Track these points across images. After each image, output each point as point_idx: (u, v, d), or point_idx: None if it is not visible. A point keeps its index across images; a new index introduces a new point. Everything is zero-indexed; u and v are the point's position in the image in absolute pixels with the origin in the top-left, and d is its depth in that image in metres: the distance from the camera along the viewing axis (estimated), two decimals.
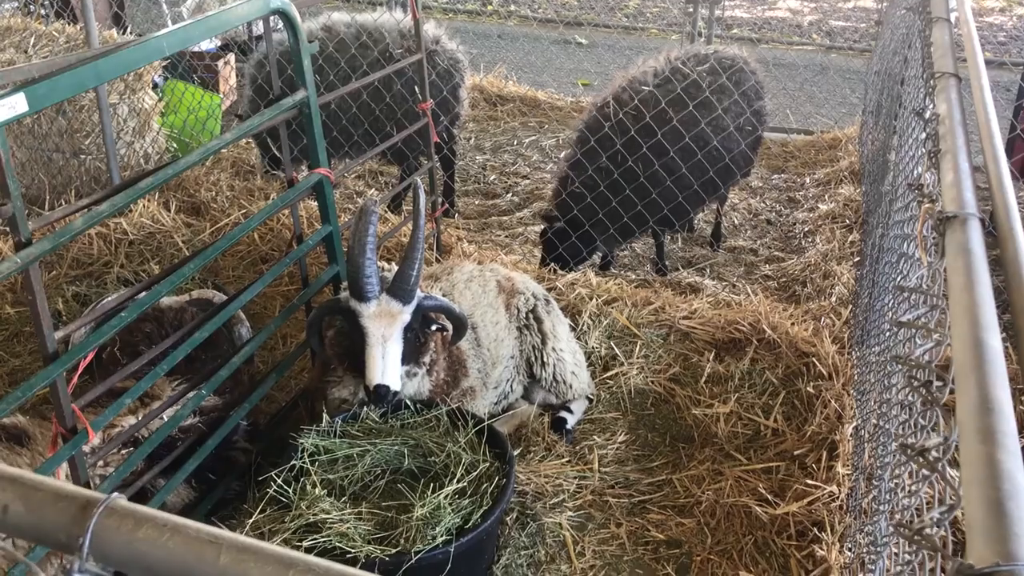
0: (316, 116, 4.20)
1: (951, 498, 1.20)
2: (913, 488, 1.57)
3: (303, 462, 3.55)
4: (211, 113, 7.74)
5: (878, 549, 2.24)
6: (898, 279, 2.97)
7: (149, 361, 3.41)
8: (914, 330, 1.69)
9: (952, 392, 1.45)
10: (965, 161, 2.03)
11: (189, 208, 6.64)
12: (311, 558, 0.91)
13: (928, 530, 1.12)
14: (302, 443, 3.61)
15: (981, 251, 1.62)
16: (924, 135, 2.38)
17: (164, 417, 3.54)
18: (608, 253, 6.50)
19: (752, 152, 6.44)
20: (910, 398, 1.79)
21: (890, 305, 3.70)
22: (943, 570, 1.31)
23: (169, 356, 3.37)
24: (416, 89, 5.73)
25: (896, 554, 1.95)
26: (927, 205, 1.86)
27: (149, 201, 6.43)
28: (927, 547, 1.14)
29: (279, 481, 3.43)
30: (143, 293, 3.36)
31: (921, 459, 1.23)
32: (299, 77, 4.11)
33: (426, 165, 5.62)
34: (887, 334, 3.70)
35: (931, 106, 2.57)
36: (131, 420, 3.53)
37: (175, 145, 7.56)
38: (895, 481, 1.99)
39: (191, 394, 3.59)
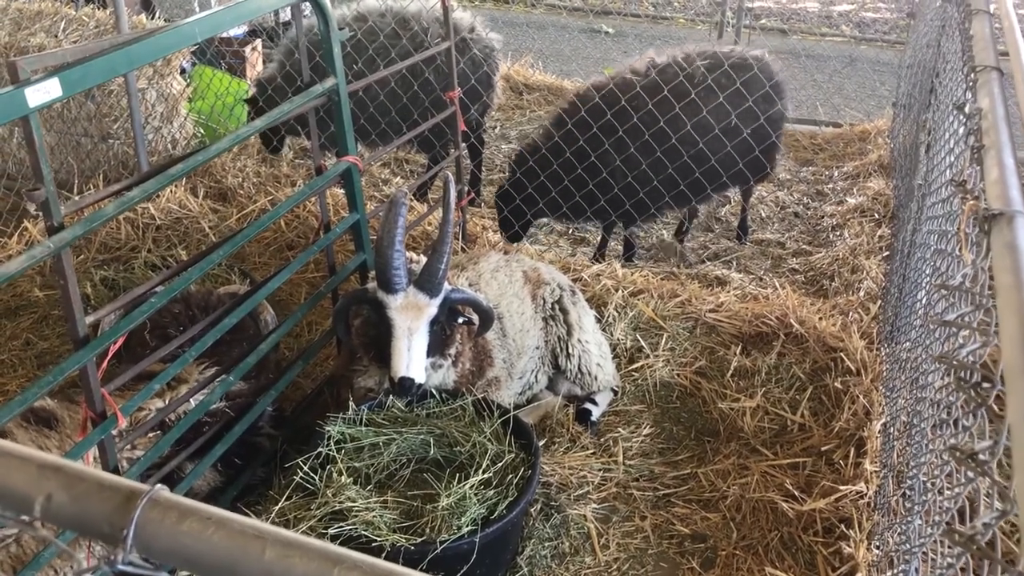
0: (345, 104, 4.19)
1: (1001, 503, 1.18)
2: (956, 490, 1.54)
3: (329, 449, 3.55)
4: (239, 99, 7.75)
5: (912, 550, 2.21)
6: (935, 277, 2.93)
7: (178, 346, 3.43)
8: (958, 329, 1.66)
9: (999, 393, 1.42)
10: (1010, 157, 1.99)
11: (216, 194, 6.67)
12: (357, 555, 0.90)
13: (980, 536, 1.10)
14: (328, 430, 3.62)
15: None
16: (966, 130, 2.34)
17: (192, 402, 3.55)
18: (631, 243, 6.48)
19: (763, 156, 6.14)
20: (951, 398, 1.76)
21: (923, 302, 3.66)
22: None
23: (199, 342, 3.38)
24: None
25: (932, 557, 1.92)
26: (971, 202, 1.83)
27: (176, 187, 6.46)
28: (980, 554, 1.11)
29: (305, 468, 3.44)
30: (174, 279, 3.37)
31: (971, 462, 1.20)
32: (329, 64, 4.10)
33: (453, 154, 5.60)
34: (919, 331, 3.66)
35: (972, 100, 2.52)
36: (159, 404, 3.55)
37: (202, 131, 7.58)
38: (932, 482, 1.96)
39: (219, 379, 3.60)
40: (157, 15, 8.91)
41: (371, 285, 3.81)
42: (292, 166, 7.42)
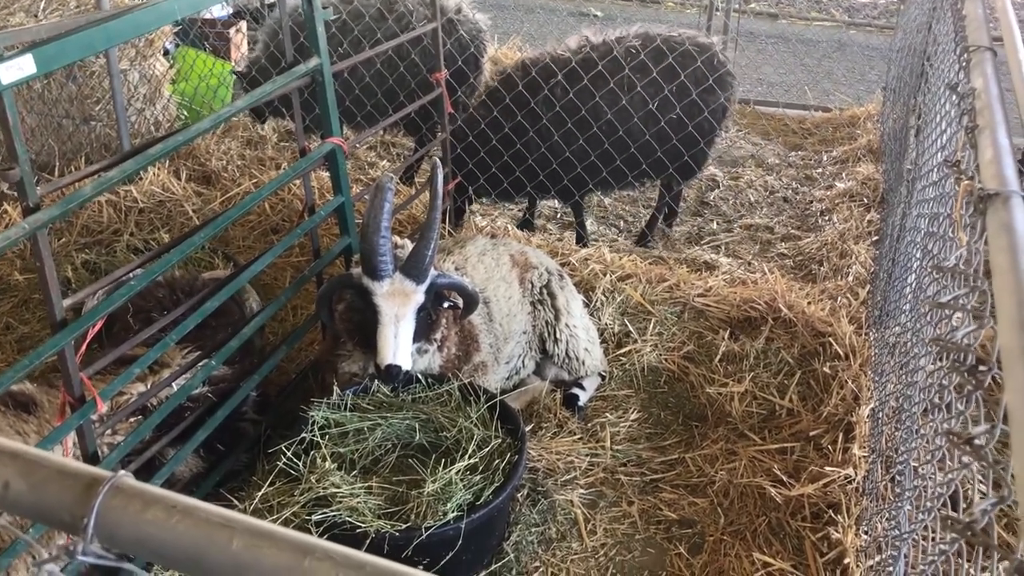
0: (330, 85, 4.12)
1: (997, 489, 1.14)
2: (949, 476, 1.51)
3: (313, 435, 3.51)
4: (222, 81, 7.65)
5: (903, 536, 2.19)
6: (926, 260, 2.90)
7: (159, 330, 3.37)
8: (952, 312, 1.63)
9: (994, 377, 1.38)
10: (1004, 137, 1.96)
11: (199, 177, 6.58)
12: (329, 544, 0.86)
13: (976, 523, 1.06)
14: (312, 415, 3.57)
15: None
16: (959, 110, 2.30)
17: (174, 386, 3.50)
18: (528, 210, 6.53)
19: (692, 146, 5.92)
20: (943, 381, 1.73)
21: (913, 286, 3.63)
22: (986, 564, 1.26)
23: (180, 325, 3.33)
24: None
25: (923, 544, 1.89)
26: (966, 182, 1.79)
27: (159, 169, 6.38)
28: (977, 541, 1.08)
29: (289, 454, 3.39)
30: (155, 262, 3.31)
31: (968, 447, 1.17)
32: (312, 44, 4.03)
33: (440, 137, 5.54)
34: (909, 315, 3.63)
35: (966, 80, 2.48)
36: (140, 389, 3.49)
37: (186, 113, 7.49)
38: (923, 467, 1.93)
39: (201, 364, 3.55)
40: None
41: (356, 270, 3.75)
42: (277, 149, 7.33)
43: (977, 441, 1.16)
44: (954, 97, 2.68)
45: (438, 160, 3.90)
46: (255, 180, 6.36)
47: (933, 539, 1.74)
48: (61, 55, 2.75)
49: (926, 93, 4.72)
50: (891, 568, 2.40)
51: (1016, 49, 2.56)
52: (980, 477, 1.63)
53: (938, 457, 1.67)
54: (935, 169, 2.99)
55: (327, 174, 6.07)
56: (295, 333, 4.26)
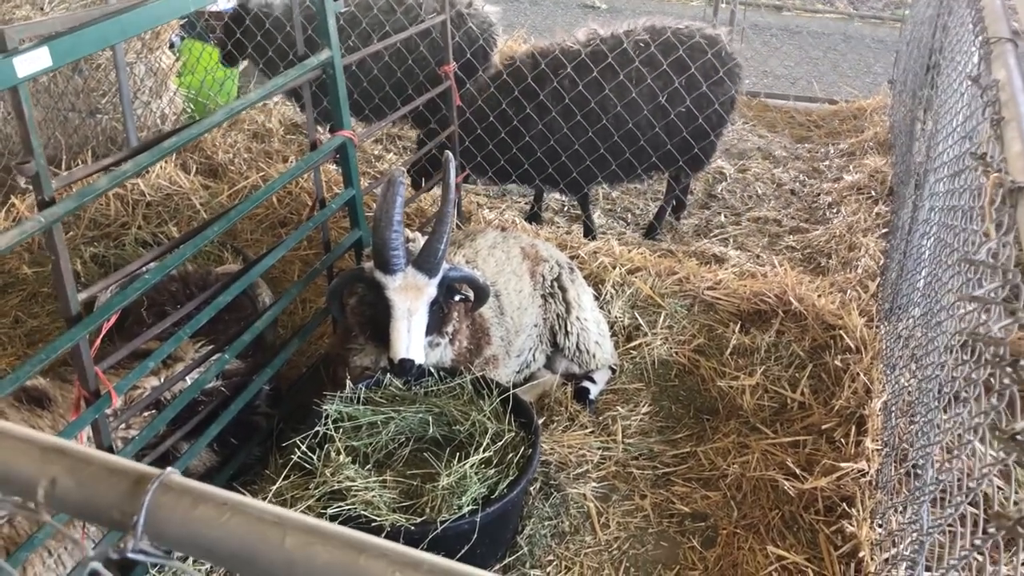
0: (340, 77, 4.11)
1: None
2: (983, 471, 1.50)
3: (327, 428, 3.50)
4: (228, 74, 7.63)
5: (927, 531, 2.18)
6: (942, 252, 2.89)
7: (173, 324, 3.36)
8: (984, 305, 1.62)
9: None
10: None
11: (207, 170, 6.58)
12: (383, 542, 0.85)
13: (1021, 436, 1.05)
14: (326, 409, 3.56)
15: None
16: (982, 103, 2.29)
17: (187, 380, 3.49)
18: (535, 203, 6.53)
19: (701, 139, 5.90)
20: (974, 375, 1.72)
21: (928, 279, 3.62)
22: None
23: (193, 319, 3.32)
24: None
25: (947, 539, 1.89)
26: (994, 175, 1.78)
27: (167, 163, 6.36)
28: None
29: (303, 447, 3.39)
30: (167, 256, 3.31)
31: (1013, 443, 1.16)
32: (323, 36, 4.02)
33: (449, 130, 5.52)
34: (923, 308, 3.63)
35: (987, 72, 2.47)
36: (154, 383, 3.49)
37: (192, 106, 7.47)
38: (949, 462, 1.93)
39: (215, 357, 3.54)
40: None
41: (367, 264, 3.75)
42: (284, 142, 7.32)
43: (1020, 437, 1.16)
44: (974, 89, 2.67)
45: (449, 153, 3.89)
46: (262, 173, 6.35)
47: (961, 534, 1.73)
48: (76, 48, 2.75)
49: (935, 86, 4.71)
50: (913, 562, 2.40)
51: None
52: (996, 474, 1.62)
53: (967, 451, 1.66)
54: (953, 161, 2.98)
55: (334, 167, 6.10)
56: (306, 327, 4.26)
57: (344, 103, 4.18)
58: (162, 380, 3.51)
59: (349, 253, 4.55)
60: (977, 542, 1.45)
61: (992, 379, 1.56)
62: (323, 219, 4.25)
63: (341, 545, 0.85)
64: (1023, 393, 1.39)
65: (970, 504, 1.80)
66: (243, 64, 7.63)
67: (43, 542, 2.80)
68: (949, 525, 1.93)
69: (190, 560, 3.33)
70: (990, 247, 1.71)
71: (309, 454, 3.39)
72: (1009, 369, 1.24)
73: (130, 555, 0.88)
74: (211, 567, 3.20)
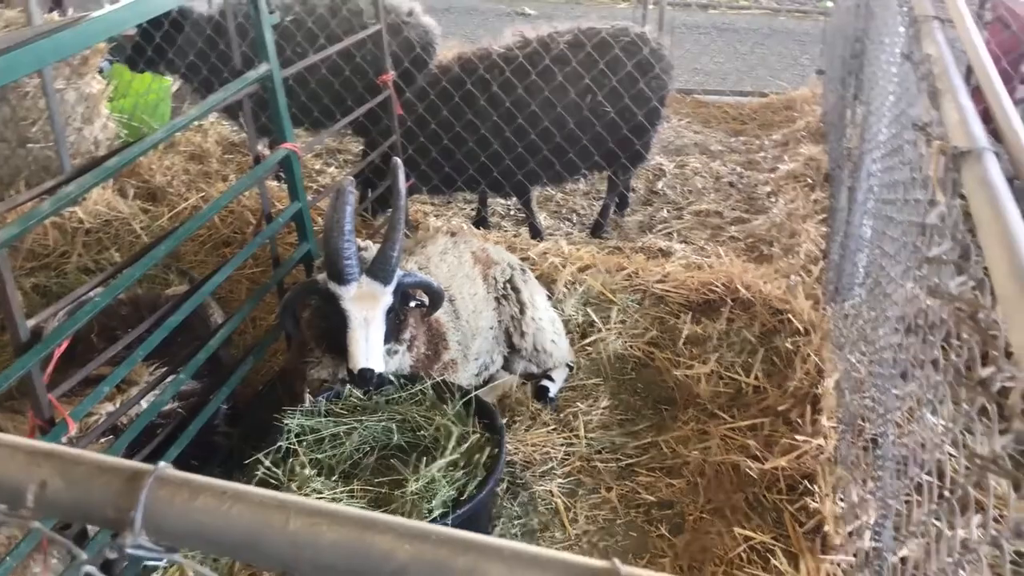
0: (280, 91, 4.08)
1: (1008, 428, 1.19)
2: (951, 425, 1.56)
3: (290, 443, 3.47)
4: (161, 96, 7.52)
5: (887, 501, 2.24)
6: (887, 227, 2.98)
7: (125, 347, 3.30)
8: (939, 266, 1.68)
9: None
10: (966, 98, 2.02)
11: (145, 195, 6.47)
12: (389, 517, 0.86)
13: (1001, 459, 1.10)
14: (287, 423, 3.53)
15: (1002, 183, 1.61)
16: (917, 77, 2.37)
17: (143, 404, 3.43)
18: (480, 208, 6.57)
19: (638, 135, 6.00)
20: (931, 337, 1.78)
21: (869, 258, 3.72)
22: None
23: (145, 341, 3.26)
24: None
25: (899, 510, 1.95)
26: (938, 143, 1.85)
27: (104, 189, 6.24)
28: (1002, 474, 1.12)
29: (267, 463, 3.35)
30: (113, 280, 3.25)
31: (979, 388, 1.21)
32: (260, 50, 3.99)
33: (390, 139, 5.52)
34: (866, 287, 3.73)
35: (918, 49, 2.56)
36: (109, 408, 3.42)
37: (126, 131, 7.33)
38: (912, 424, 1.99)
39: (170, 379, 3.48)
40: (69, 13, 8.57)
41: (320, 276, 3.72)
42: (222, 161, 7.23)
43: (987, 383, 1.20)
44: (905, 67, 2.76)
45: (398, 160, 3.89)
46: (203, 194, 6.26)
47: (919, 501, 1.79)
48: (10, 70, 2.68)
49: (865, 70, 4.85)
50: (880, 529, 2.46)
51: (962, 15, 2.64)
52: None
53: (940, 399, 1.72)
54: (890, 140, 3.07)
55: (276, 184, 6.04)
56: (260, 344, 4.21)
57: (285, 116, 4.16)
58: (118, 405, 3.44)
59: (298, 268, 4.51)
60: (934, 507, 1.50)
61: (948, 345, 1.62)
62: (271, 234, 4.21)
63: (346, 523, 0.85)
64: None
65: (927, 473, 1.87)
66: (176, 84, 7.53)
67: (31, 549, 2.73)
68: (906, 495, 1.99)
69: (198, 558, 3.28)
70: (940, 211, 1.77)
71: (274, 469, 3.35)
72: (970, 320, 1.29)
73: (129, 551, 0.87)
74: (204, 557, 3.15)
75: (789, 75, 9.95)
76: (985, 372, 1.22)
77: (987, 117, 1.97)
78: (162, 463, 0.94)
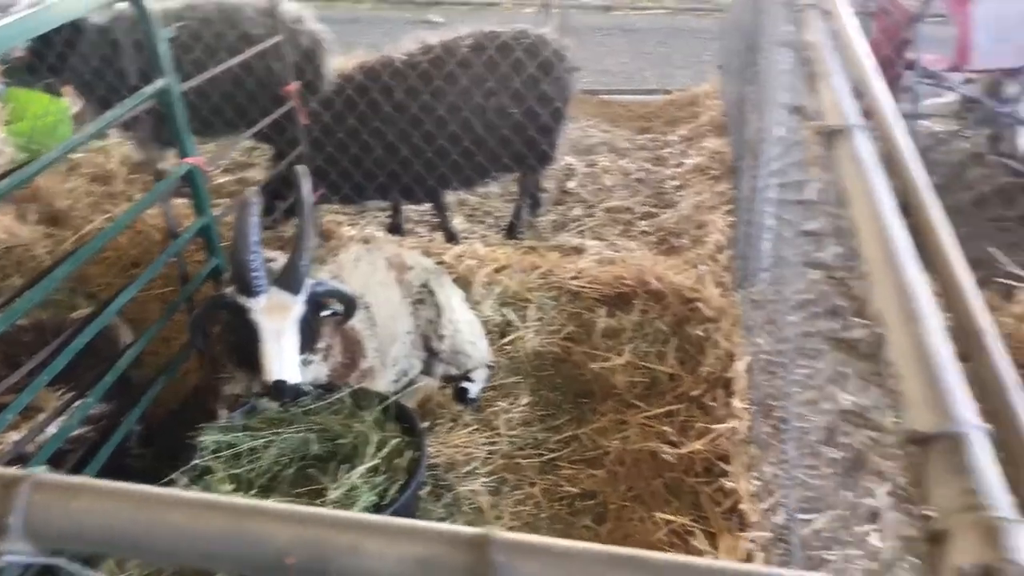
0: (179, 105, 4.02)
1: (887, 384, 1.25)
2: (829, 386, 1.63)
3: (206, 460, 3.41)
4: (60, 118, 7.30)
5: (791, 472, 2.33)
6: (781, 210, 3.09)
7: (28, 373, 3.21)
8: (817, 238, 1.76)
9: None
10: (841, 80, 2.11)
11: (47, 219, 6.28)
12: (271, 504, 0.87)
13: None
14: (202, 440, 3.47)
15: (871, 157, 1.69)
16: (796, 62, 2.47)
17: (51, 430, 3.33)
18: (394, 215, 6.55)
19: (544, 136, 6.03)
20: (816, 309, 1.86)
21: (771, 244, 3.85)
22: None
23: (49, 366, 3.18)
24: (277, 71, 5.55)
25: (804, 479, 2.03)
26: (813, 124, 1.93)
27: (3, 214, 6.04)
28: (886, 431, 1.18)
29: (184, 481, 3.29)
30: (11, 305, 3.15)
31: (853, 350, 1.27)
32: (155, 65, 3.92)
33: (297, 150, 5.47)
34: (771, 273, 3.85)
35: (799, 37, 2.66)
36: (14, 437, 3.31)
37: (25, 155, 7.09)
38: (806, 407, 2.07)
39: (77, 403, 3.40)
40: None
41: (228, 290, 3.68)
42: (127, 182, 7.06)
43: (864, 347, 1.27)
44: (790, 54, 2.87)
45: (300, 169, 3.86)
46: (108, 215, 6.11)
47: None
48: None
49: (759, 62, 5.00)
50: (786, 493, 2.55)
51: (837, 4, 2.75)
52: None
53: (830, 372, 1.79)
54: (779, 125, 3.18)
55: (184, 201, 5.92)
56: (172, 363, 4.13)
57: (186, 130, 4.10)
58: (24, 433, 3.34)
59: (210, 283, 4.44)
60: (829, 470, 1.57)
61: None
62: (177, 250, 4.13)
63: (228, 512, 0.86)
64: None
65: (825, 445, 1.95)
66: (75, 107, 7.33)
67: None
68: (807, 466, 2.07)
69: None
70: (818, 187, 1.85)
71: (191, 488, 3.30)
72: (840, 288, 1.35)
73: (8, 558, 0.87)
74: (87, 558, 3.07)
75: (692, 72, 10.18)
76: (855, 334, 1.28)
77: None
78: (39, 468, 0.93)
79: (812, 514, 3.01)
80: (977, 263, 5.76)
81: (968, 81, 7.78)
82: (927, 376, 1.07)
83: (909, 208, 1.55)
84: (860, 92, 2.12)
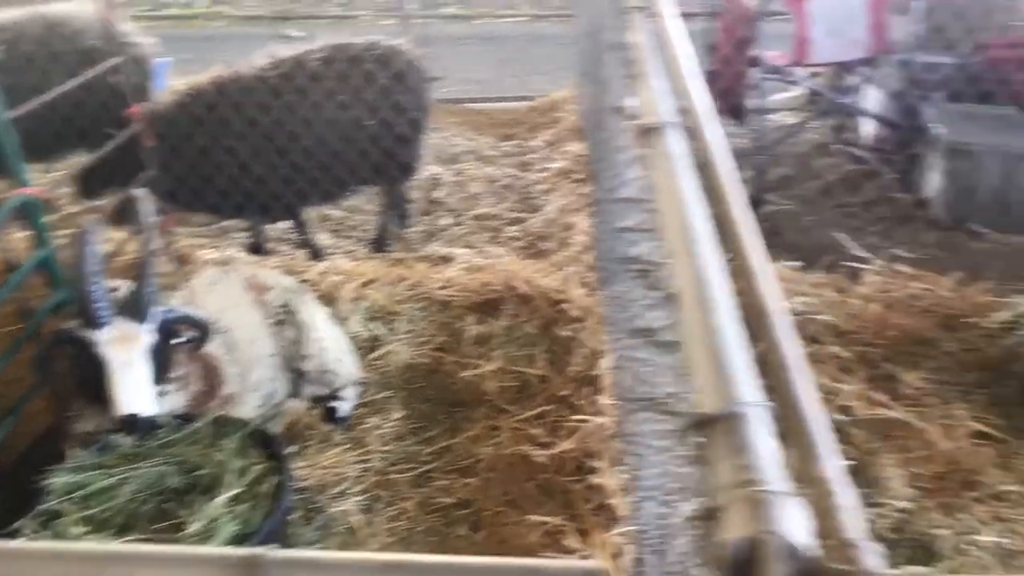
0: (8, 132, 3.82)
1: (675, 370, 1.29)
2: (645, 372, 1.67)
3: (55, 504, 3.24)
4: None
5: (648, 458, 2.38)
6: (616, 207, 3.16)
7: None
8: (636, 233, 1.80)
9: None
10: (659, 80, 2.17)
11: None
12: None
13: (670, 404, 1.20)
14: (51, 483, 3.30)
15: (682, 152, 1.74)
16: (620, 63, 2.53)
17: None
18: (255, 235, 6.41)
19: (403, 147, 6.04)
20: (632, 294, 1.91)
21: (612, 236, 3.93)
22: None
23: None
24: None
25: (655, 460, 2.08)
26: (632, 123, 1.98)
27: None
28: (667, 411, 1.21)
29: (32, 527, 3.12)
30: None
31: (645, 334, 1.31)
32: None
33: (146, 173, 5.28)
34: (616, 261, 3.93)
35: (625, 39, 2.73)
36: None
37: None
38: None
39: None
40: None
41: (71, 323, 3.51)
42: None
43: (662, 335, 1.31)
44: (617, 54, 2.94)
45: (140, 192, 3.73)
46: None
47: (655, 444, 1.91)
48: None
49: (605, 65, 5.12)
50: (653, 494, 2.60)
51: (661, 7, 2.83)
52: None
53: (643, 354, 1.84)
54: (615, 125, 3.25)
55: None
56: (17, 405, 3.92)
57: (18, 158, 3.90)
58: None
59: (54, 318, 4.23)
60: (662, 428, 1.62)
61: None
62: (15, 285, 3.92)
63: (84, 557, 0.81)
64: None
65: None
66: None
67: None
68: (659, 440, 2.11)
69: None
70: (638, 184, 1.90)
71: (42, 532, 3.13)
72: (643, 279, 1.39)
73: None
74: None
75: (553, 78, 10.32)
76: (657, 324, 1.32)
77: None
78: None
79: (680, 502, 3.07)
80: (826, 248, 6.11)
81: (815, 75, 8.18)
82: (715, 359, 1.11)
83: (755, 201, 1.60)
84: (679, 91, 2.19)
